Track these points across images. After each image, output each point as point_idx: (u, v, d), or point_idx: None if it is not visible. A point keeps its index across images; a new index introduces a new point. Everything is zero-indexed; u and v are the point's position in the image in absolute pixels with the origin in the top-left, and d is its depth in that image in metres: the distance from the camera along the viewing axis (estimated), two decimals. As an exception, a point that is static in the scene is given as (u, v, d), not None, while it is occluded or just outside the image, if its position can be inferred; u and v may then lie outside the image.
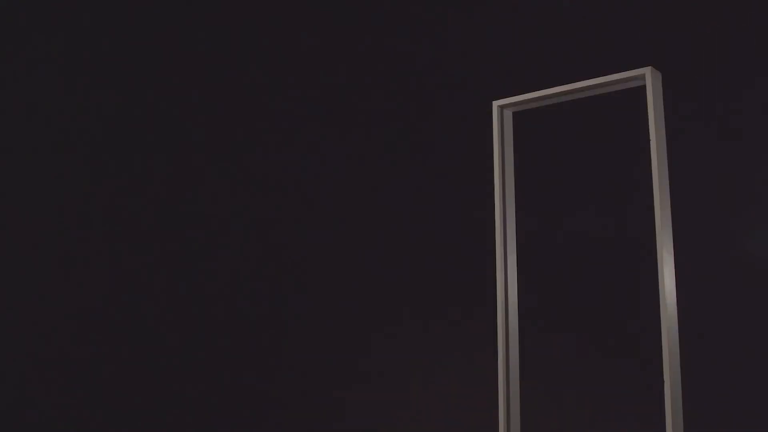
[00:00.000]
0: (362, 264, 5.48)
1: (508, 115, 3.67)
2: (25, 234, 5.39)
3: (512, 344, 3.47)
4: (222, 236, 6.11)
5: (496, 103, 3.64)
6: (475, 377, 4.69)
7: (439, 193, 5.21)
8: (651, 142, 3.15)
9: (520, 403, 3.43)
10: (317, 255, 5.72)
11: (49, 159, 5.58)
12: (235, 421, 5.75)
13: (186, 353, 5.76)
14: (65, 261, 5.47)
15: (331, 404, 5.43)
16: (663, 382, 2.97)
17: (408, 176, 5.39)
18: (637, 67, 3.24)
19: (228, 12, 6.10)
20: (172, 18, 6.09)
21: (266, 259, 5.93)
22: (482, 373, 4.11)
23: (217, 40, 6.11)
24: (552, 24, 4.80)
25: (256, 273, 5.95)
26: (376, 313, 5.38)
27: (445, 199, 5.17)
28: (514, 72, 4.77)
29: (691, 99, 4.19)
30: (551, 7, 4.80)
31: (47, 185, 5.50)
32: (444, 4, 5.36)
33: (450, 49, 5.31)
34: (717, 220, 4.17)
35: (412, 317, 5.22)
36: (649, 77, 3.20)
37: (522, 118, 3.73)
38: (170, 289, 5.63)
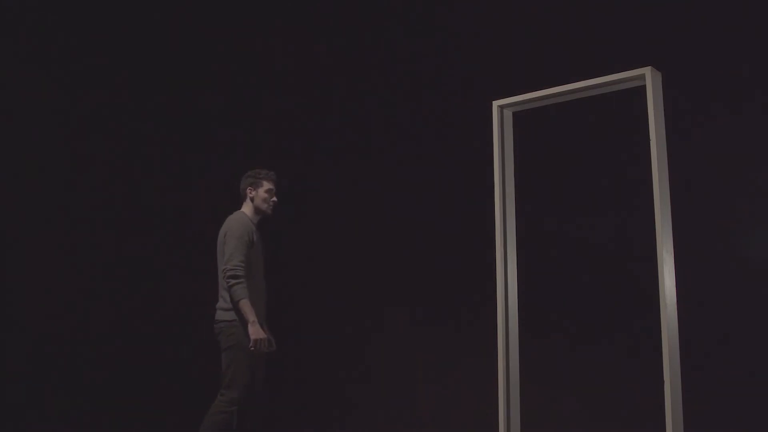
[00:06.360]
0: (361, 264, 5.47)
1: (508, 115, 3.66)
2: (29, 235, 5.39)
3: (512, 344, 3.46)
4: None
5: (496, 103, 3.63)
6: (475, 377, 4.68)
7: (439, 193, 5.20)
8: (651, 142, 3.14)
9: (520, 403, 3.43)
10: (317, 256, 5.71)
11: (55, 159, 5.58)
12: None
13: (190, 354, 5.76)
14: (66, 262, 5.47)
15: (332, 404, 5.43)
16: (663, 382, 2.97)
17: (408, 176, 5.39)
18: (637, 67, 3.24)
19: (227, 12, 6.10)
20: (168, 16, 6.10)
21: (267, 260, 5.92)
22: (482, 373, 4.11)
23: (216, 42, 6.11)
24: (552, 24, 4.80)
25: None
26: (376, 314, 5.37)
27: (445, 198, 5.16)
28: (514, 72, 4.77)
29: (691, 99, 4.19)
30: (551, 7, 4.80)
31: (49, 186, 5.50)
32: (445, 5, 5.36)
33: (450, 49, 5.31)
34: (717, 220, 4.17)
35: (412, 317, 5.22)
36: (649, 77, 3.19)
37: (522, 118, 3.72)
38: (172, 290, 5.62)
